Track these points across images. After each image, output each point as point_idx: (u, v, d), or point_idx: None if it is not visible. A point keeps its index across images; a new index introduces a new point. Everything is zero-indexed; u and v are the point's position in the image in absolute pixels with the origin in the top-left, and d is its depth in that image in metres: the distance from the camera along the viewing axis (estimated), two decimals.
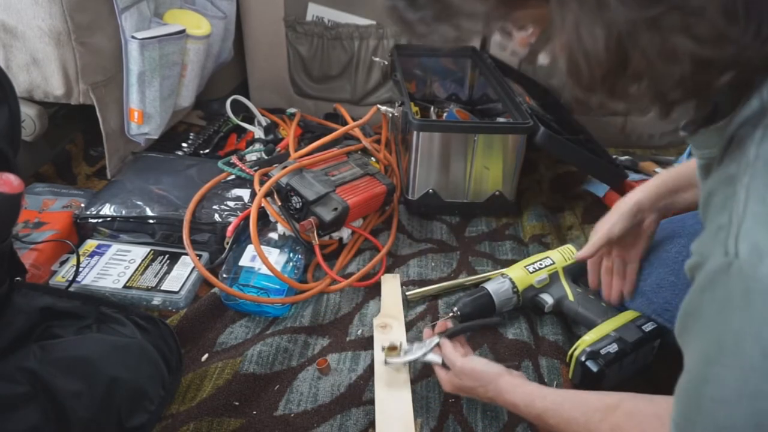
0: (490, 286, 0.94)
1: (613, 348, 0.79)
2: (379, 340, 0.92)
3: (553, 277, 0.95)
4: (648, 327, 0.83)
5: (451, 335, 0.82)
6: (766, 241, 0.35)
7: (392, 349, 0.84)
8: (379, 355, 0.87)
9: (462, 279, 1.07)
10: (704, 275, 0.40)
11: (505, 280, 0.94)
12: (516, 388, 0.69)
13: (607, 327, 0.84)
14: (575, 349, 0.82)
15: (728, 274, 0.37)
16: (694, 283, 0.41)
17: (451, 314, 0.92)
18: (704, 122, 0.47)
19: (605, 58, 0.38)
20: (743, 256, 0.36)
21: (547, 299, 0.94)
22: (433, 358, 0.81)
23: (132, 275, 1.01)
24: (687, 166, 0.80)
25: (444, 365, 0.79)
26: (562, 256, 0.98)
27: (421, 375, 0.86)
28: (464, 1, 0.41)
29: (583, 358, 0.80)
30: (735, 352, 0.38)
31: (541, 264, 0.96)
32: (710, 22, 0.35)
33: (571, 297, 0.93)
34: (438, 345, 0.81)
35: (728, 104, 0.43)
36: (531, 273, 0.94)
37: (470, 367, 0.74)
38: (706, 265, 0.39)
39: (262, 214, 1.10)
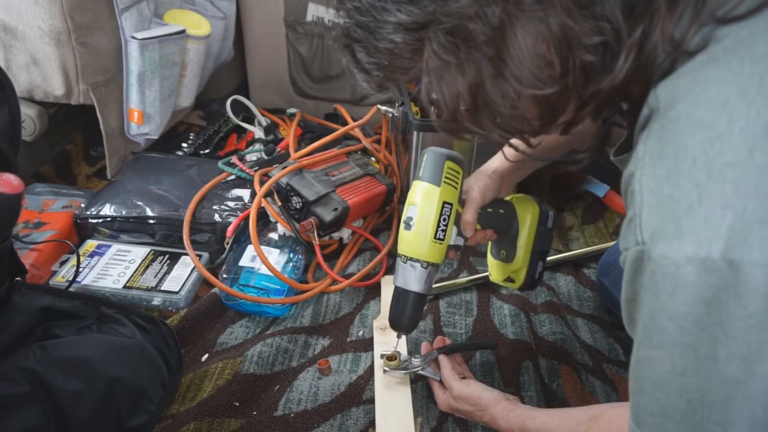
0: (408, 285, 0.75)
1: (540, 266, 0.86)
2: (380, 342, 0.92)
3: (457, 216, 0.76)
4: (550, 222, 0.85)
5: (448, 352, 0.84)
6: (659, 227, 0.40)
7: (391, 358, 0.84)
8: (378, 357, 0.87)
9: (462, 279, 1.07)
10: (629, 266, 0.43)
11: (423, 269, 0.74)
12: (509, 413, 0.72)
13: (526, 246, 0.83)
14: (512, 279, 0.86)
15: (642, 261, 0.41)
16: (624, 275, 0.45)
17: (397, 341, 0.84)
18: (624, 152, 0.54)
19: (461, 98, 0.48)
20: (647, 243, 0.40)
21: (459, 240, 0.78)
22: (431, 373, 0.82)
23: (132, 275, 1.01)
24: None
25: (441, 383, 0.81)
26: (449, 186, 0.73)
27: (421, 375, 0.86)
28: (392, 59, 0.49)
29: (525, 288, 0.87)
30: (656, 332, 0.41)
31: (444, 220, 0.73)
32: (527, 68, 0.44)
33: (479, 226, 0.79)
34: (436, 360, 0.83)
35: (634, 125, 0.48)
36: (441, 242, 0.73)
37: (467, 393, 0.76)
38: (628, 257, 0.43)
39: (263, 215, 1.10)
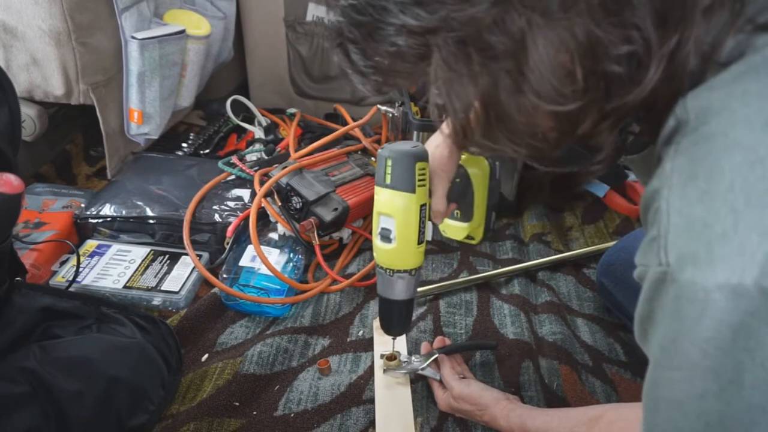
0: (397, 295, 0.73)
1: (494, 216, 0.87)
2: (379, 342, 0.92)
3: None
4: (497, 172, 0.85)
5: (448, 352, 0.84)
6: (687, 250, 0.38)
7: (391, 358, 0.84)
8: (378, 357, 0.87)
9: (462, 279, 1.07)
10: (648, 284, 0.42)
11: (411, 276, 0.72)
12: (509, 413, 0.71)
13: (482, 204, 0.84)
14: (472, 237, 0.88)
15: (664, 282, 0.39)
16: (642, 292, 0.43)
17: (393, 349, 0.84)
18: (635, 152, 0.52)
19: (473, 110, 0.45)
20: (672, 265, 0.38)
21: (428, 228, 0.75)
22: (431, 373, 0.82)
23: (132, 275, 1.01)
24: None
25: (441, 383, 0.81)
26: (422, 187, 0.69)
27: (421, 375, 0.86)
28: (393, 63, 0.46)
29: (483, 237, 0.89)
30: (677, 354, 0.40)
31: (423, 222, 0.70)
32: (549, 82, 0.41)
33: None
34: (436, 360, 0.83)
35: (652, 133, 0.46)
36: (422, 243, 0.71)
37: (467, 393, 0.76)
38: (648, 275, 0.42)
39: (263, 215, 1.10)
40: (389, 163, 0.67)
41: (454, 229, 0.88)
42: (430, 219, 0.72)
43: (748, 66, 0.39)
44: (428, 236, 0.71)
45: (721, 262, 0.36)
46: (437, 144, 0.75)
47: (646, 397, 0.44)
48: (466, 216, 0.85)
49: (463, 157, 0.81)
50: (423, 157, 0.68)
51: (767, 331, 0.35)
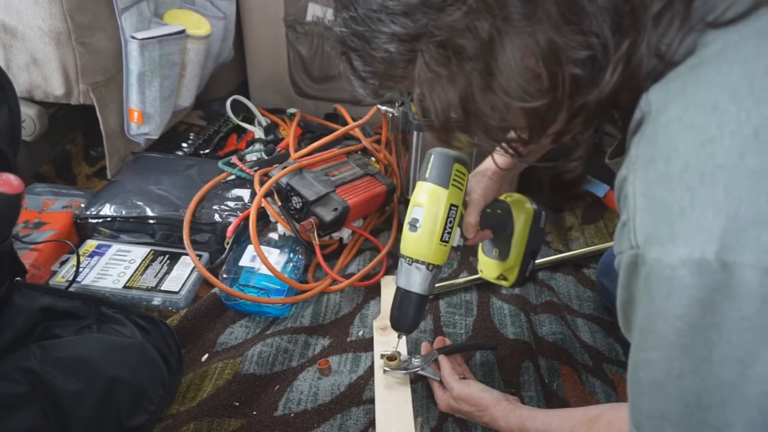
0: (412, 287, 0.75)
1: (531, 264, 0.87)
2: (379, 342, 0.92)
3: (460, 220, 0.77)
4: (542, 221, 0.86)
5: (448, 352, 0.84)
6: (653, 231, 0.40)
7: (391, 358, 0.84)
8: (378, 357, 0.87)
9: (462, 279, 1.07)
10: (623, 269, 0.43)
11: (428, 271, 0.74)
12: (509, 414, 0.72)
13: (520, 245, 0.85)
14: (505, 277, 0.87)
15: (637, 264, 0.41)
16: (619, 278, 0.45)
17: (399, 339, 0.84)
18: (617, 156, 0.56)
19: (452, 108, 0.50)
20: (641, 246, 0.40)
21: (459, 241, 0.77)
22: (431, 373, 0.83)
23: (132, 275, 1.01)
24: None
25: (441, 383, 0.81)
26: (456, 189, 0.73)
27: (422, 375, 0.86)
28: (387, 68, 0.51)
29: (516, 285, 0.88)
30: (653, 334, 0.41)
31: (450, 222, 0.73)
32: (516, 81, 0.46)
33: (478, 226, 0.80)
34: (436, 361, 0.84)
35: (625, 134, 0.49)
36: (446, 243, 0.73)
37: (467, 393, 0.76)
38: (623, 261, 0.43)
39: (263, 215, 1.10)
40: (431, 159, 0.74)
41: (488, 265, 0.89)
42: (459, 225, 0.76)
43: (699, 59, 0.42)
44: (454, 242, 0.75)
45: (681, 238, 0.38)
46: (486, 164, 0.82)
47: (630, 382, 0.46)
48: (503, 255, 0.86)
49: (510, 198, 0.85)
50: (462, 160, 0.74)
51: (730, 305, 0.37)
